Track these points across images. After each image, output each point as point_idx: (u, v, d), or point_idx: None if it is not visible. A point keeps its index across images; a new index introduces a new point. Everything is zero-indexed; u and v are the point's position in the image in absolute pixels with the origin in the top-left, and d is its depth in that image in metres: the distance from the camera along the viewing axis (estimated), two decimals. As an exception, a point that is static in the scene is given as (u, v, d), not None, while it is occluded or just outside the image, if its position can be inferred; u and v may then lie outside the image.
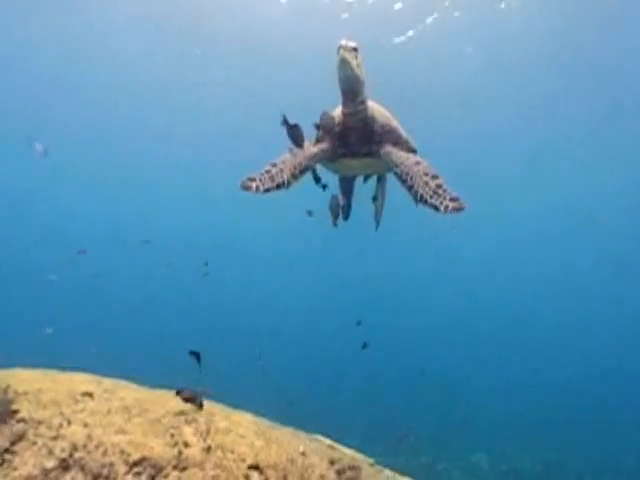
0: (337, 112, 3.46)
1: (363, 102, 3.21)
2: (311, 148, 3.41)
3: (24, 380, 3.09)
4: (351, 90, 3.13)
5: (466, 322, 22.54)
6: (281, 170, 3.18)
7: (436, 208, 2.72)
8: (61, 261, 13.44)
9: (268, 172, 3.17)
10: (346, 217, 4.53)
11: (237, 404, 3.62)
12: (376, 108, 3.42)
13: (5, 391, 2.91)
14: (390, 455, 10.19)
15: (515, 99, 16.89)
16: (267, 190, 3.13)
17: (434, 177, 2.87)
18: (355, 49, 2.97)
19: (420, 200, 2.82)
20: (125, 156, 22.76)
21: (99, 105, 19.13)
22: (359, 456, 3.76)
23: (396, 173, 3.04)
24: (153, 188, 24.91)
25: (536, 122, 17.67)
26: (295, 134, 3.48)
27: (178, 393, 3.21)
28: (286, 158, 3.29)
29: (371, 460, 3.88)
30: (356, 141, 3.38)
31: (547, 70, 15.53)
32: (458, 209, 2.71)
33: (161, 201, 25.87)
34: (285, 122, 3.49)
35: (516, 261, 25.19)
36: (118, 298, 21.43)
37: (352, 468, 3.31)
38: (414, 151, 3.53)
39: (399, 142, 3.40)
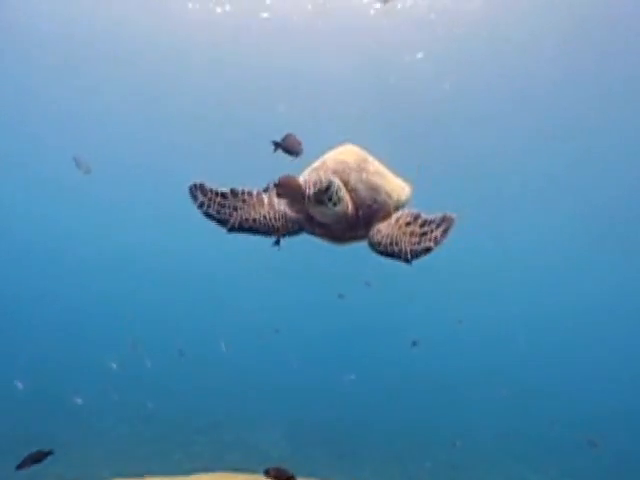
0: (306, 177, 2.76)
1: (345, 212, 2.70)
2: (281, 207, 2.84)
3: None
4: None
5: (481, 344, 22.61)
6: (235, 209, 2.78)
7: (428, 249, 2.48)
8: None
9: (224, 198, 2.79)
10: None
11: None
12: (359, 183, 2.78)
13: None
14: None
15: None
16: (208, 215, 2.79)
17: (415, 218, 2.60)
18: (327, 189, 2.45)
19: (412, 256, 2.52)
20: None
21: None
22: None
23: (380, 252, 2.63)
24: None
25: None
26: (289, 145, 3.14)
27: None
28: (253, 198, 2.81)
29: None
30: (336, 230, 2.83)
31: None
32: (447, 230, 2.48)
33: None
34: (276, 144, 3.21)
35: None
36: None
37: None
38: (405, 201, 3.04)
39: (389, 213, 2.82)
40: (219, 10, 13.80)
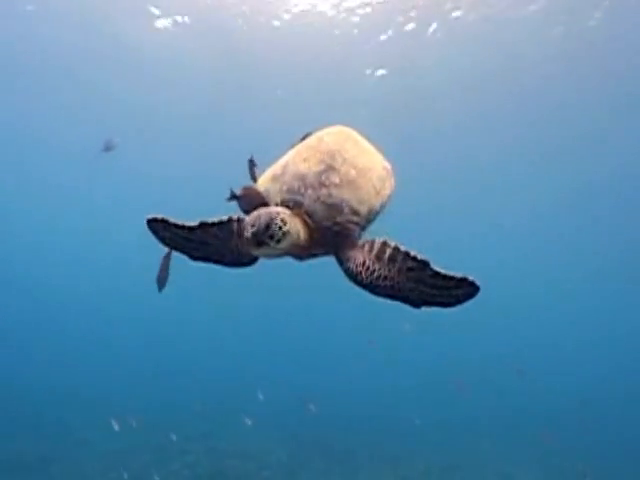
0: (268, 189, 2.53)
1: (295, 242, 2.30)
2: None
3: None
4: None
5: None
6: (204, 243, 2.48)
7: (446, 305, 2.21)
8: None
9: (191, 232, 2.45)
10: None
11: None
12: (316, 204, 2.38)
13: None
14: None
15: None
16: (173, 248, 2.54)
17: (423, 266, 2.17)
18: (267, 228, 2.10)
19: (423, 305, 2.23)
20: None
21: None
22: None
23: (377, 294, 2.28)
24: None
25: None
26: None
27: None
28: (223, 230, 2.43)
29: None
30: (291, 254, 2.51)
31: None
32: (469, 294, 2.15)
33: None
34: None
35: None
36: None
37: None
38: (381, 205, 2.63)
39: (356, 236, 2.45)
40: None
